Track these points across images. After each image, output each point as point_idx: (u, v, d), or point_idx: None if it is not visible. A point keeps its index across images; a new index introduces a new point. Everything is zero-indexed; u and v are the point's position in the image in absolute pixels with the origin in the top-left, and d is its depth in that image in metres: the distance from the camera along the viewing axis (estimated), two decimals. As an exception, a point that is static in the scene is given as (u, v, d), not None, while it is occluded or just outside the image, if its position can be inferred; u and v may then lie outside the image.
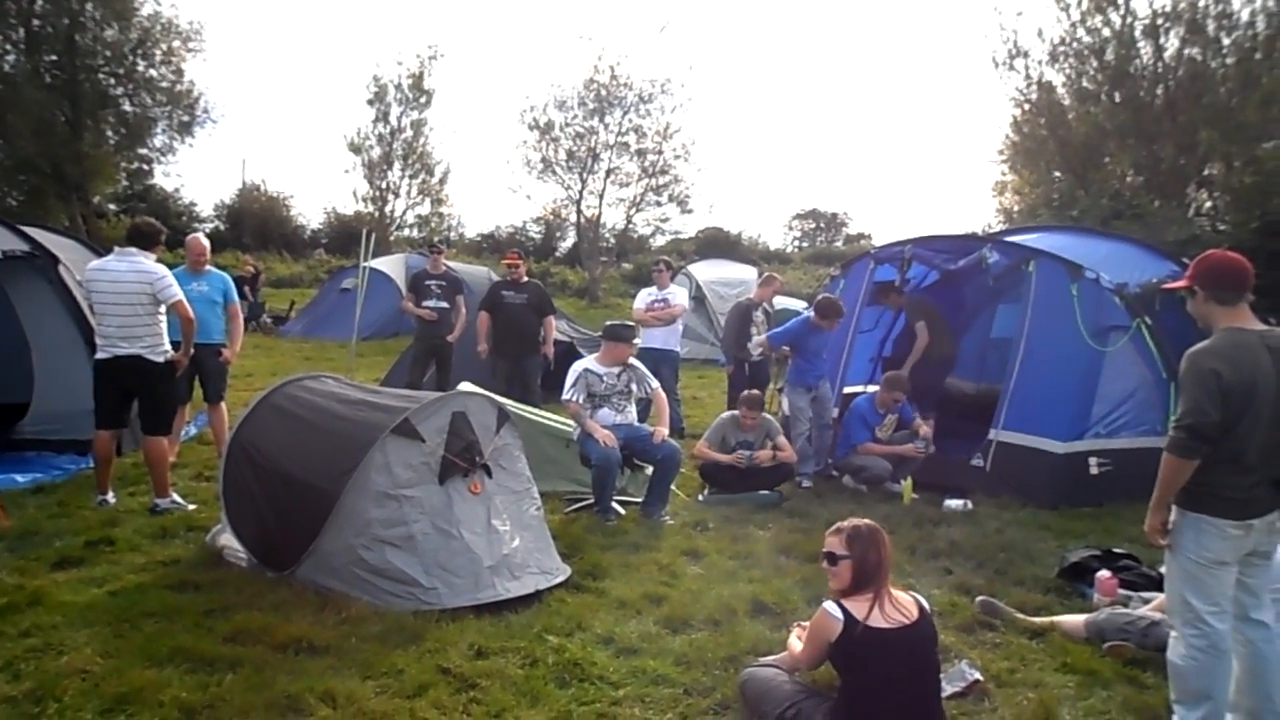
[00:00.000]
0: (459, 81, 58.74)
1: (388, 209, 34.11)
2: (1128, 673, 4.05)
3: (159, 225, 6.33)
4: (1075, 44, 20.81)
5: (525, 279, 9.36)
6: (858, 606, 3.23)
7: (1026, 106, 22.27)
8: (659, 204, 31.12)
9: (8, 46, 26.44)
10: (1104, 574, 4.90)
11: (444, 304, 9.53)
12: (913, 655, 3.24)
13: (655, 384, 6.82)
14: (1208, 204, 20.64)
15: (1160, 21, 19.23)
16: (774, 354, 9.01)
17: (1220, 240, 11.19)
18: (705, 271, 17.80)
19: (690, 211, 31.70)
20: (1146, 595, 4.70)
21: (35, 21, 26.43)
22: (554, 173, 30.58)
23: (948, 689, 3.68)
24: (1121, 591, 4.83)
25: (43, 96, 25.54)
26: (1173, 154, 19.31)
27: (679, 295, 9.68)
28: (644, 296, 9.71)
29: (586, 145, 30.05)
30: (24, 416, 7.41)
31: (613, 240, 32.19)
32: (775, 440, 7.18)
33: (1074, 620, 4.49)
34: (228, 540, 5.14)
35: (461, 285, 9.89)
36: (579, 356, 7.54)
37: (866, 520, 3.43)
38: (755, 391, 7.60)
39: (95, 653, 3.80)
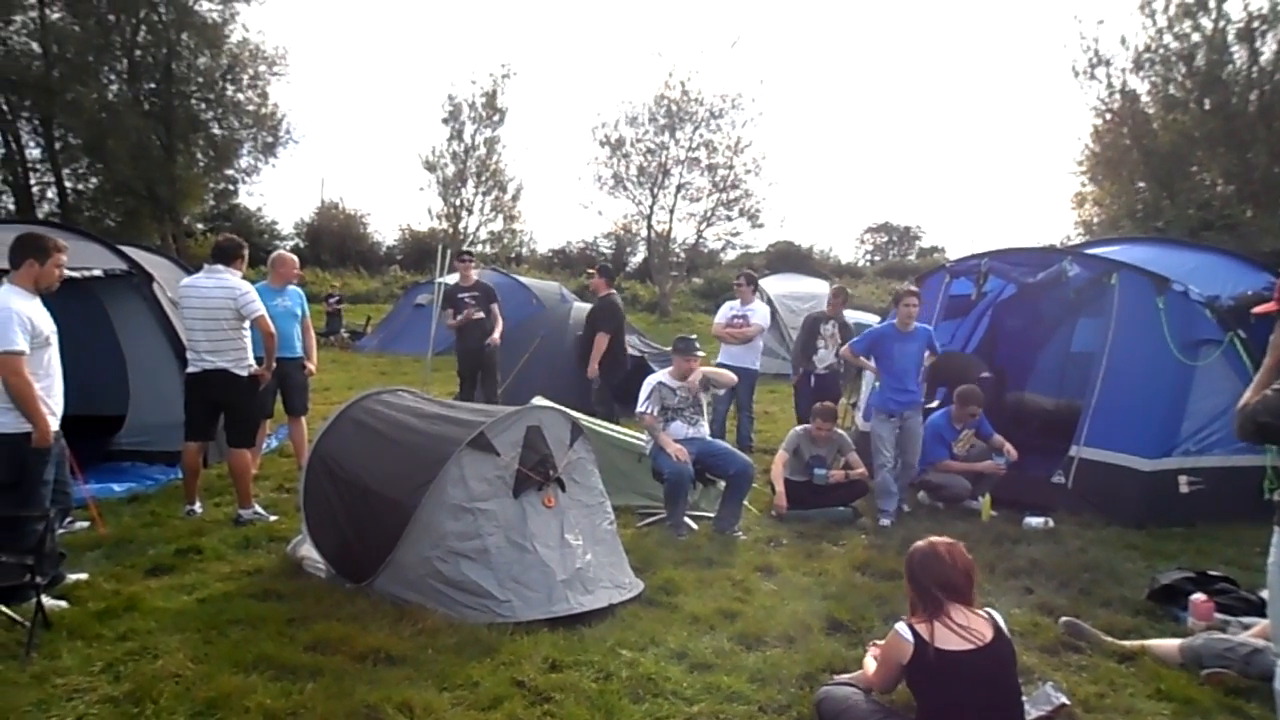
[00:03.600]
0: (531, 99, 59.72)
1: (461, 225, 34.75)
2: (1229, 702, 3.86)
3: (241, 241, 6.56)
4: (1162, 50, 20.21)
5: (601, 293, 9.37)
6: (930, 627, 3.16)
7: (1108, 116, 21.69)
8: (730, 218, 31.05)
9: (112, 76, 27.93)
10: (1199, 597, 4.70)
11: (478, 314, 9.40)
12: (989, 677, 3.17)
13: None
14: (1306, 213, 19.74)
15: (1256, 24, 18.55)
16: (843, 365, 8.91)
17: (1320, 250, 10.69)
18: (777, 286, 17.68)
19: (761, 226, 31.53)
20: (1246, 620, 4.49)
21: (137, 52, 27.85)
22: (625, 188, 30.77)
23: (1032, 712, 3.56)
24: (1219, 616, 4.62)
25: (141, 123, 26.86)
26: (1267, 161, 18.58)
27: (759, 313, 9.46)
28: (725, 311, 9.59)
29: (657, 161, 30.19)
30: (120, 428, 7.73)
31: (683, 255, 32.21)
32: (847, 456, 7.10)
33: (1167, 645, 4.31)
34: (308, 551, 5.28)
35: (495, 293, 9.67)
36: (650, 371, 7.56)
37: (928, 540, 3.37)
38: (828, 403, 7.48)
39: (187, 658, 3.93)
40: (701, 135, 29.81)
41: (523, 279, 19.86)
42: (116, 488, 6.87)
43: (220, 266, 6.29)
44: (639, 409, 6.54)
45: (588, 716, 3.58)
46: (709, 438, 6.69)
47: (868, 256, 48.61)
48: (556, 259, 40.43)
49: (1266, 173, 18.64)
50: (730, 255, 33.96)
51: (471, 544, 4.50)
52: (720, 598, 4.96)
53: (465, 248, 18.50)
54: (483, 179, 34.41)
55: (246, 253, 6.55)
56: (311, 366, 7.68)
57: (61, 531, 5.18)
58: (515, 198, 35.50)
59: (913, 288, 7.27)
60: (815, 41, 72.06)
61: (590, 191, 53.46)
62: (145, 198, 28.14)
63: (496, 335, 9.48)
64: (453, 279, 10.11)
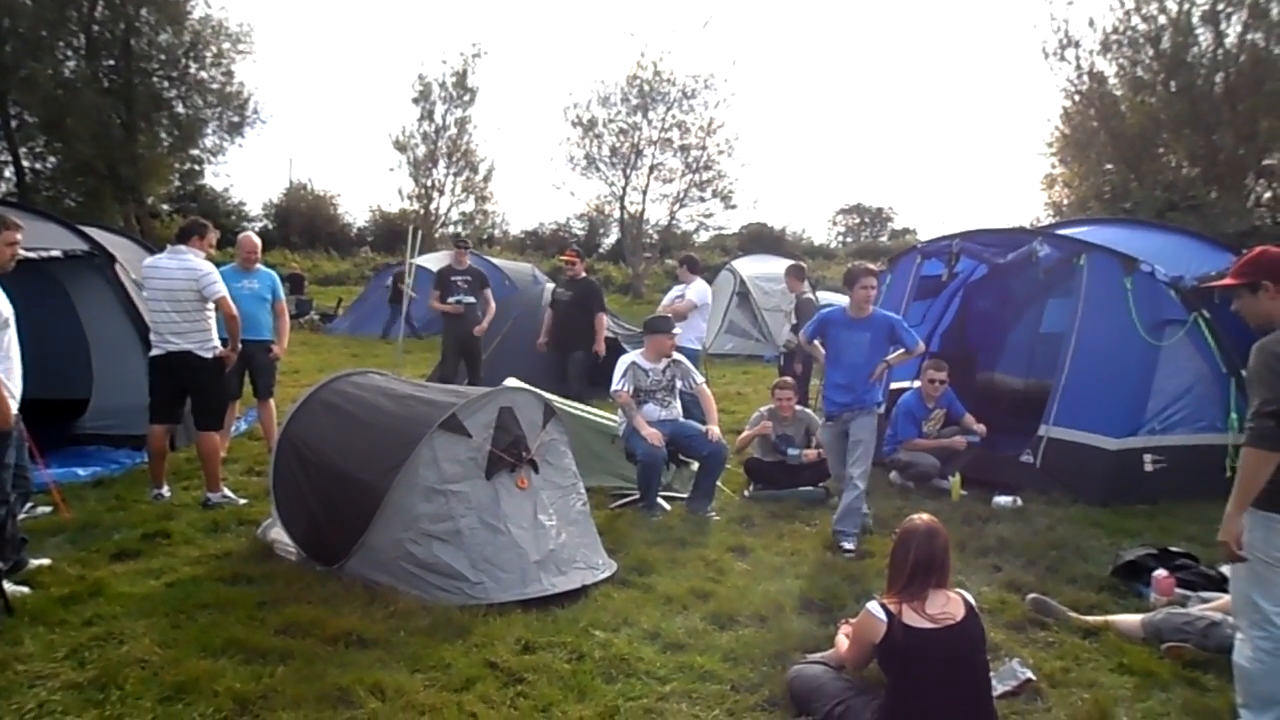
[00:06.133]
0: (502, 79, 59.28)
1: (433, 206, 34.55)
2: (1187, 674, 3.94)
3: (204, 221, 6.49)
4: (1129, 32, 20.39)
5: (581, 276, 9.43)
6: (904, 606, 3.19)
7: (1077, 98, 21.87)
8: (703, 199, 31.11)
9: (69, 53, 27.29)
10: (1161, 573, 4.78)
11: (470, 298, 9.53)
12: (959, 655, 3.20)
13: (700, 379, 6.81)
14: (1268, 194, 20.11)
15: (1221, 6, 18.75)
16: (804, 349, 9.05)
17: (1281, 232, 10.86)
18: (749, 267, 17.72)
19: (734, 207, 31.65)
20: (1206, 595, 4.58)
21: (95, 27, 27.21)
22: (598, 169, 30.73)
23: (999, 688, 3.62)
24: (1179, 591, 4.71)
25: (100, 100, 26.29)
26: (1232, 143, 18.83)
27: (691, 290, 9.49)
28: (670, 295, 9.80)
29: (630, 141, 30.14)
30: (84, 412, 7.60)
31: (656, 236, 32.19)
32: (816, 435, 7.15)
33: (1130, 620, 4.39)
34: (278, 534, 5.23)
35: (487, 279, 9.86)
36: (623, 352, 7.55)
37: (929, 519, 3.39)
38: (787, 378, 7.62)
39: (154, 643, 3.89)
40: (674, 116, 29.84)
41: (495, 260, 19.77)
42: (81, 472, 6.76)
43: (183, 247, 6.19)
44: (614, 387, 6.53)
45: (560, 697, 3.58)
46: (682, 419, 6.70)
47: (840, 238, 48.97)
48: (529, 240, 40.29)
49: (1231, 155, 18.91)
50: (703, 236, 34.04)
51: (444, 526, 4.48)
52: (693, 578, 4.98)
53: (464, 235, 18.48)
54: (454, 159, 34.21)
55: (214, 234, 6.47)
56: (277, 350, 7.58)
57: (23, 517, 5.09)
58: (487, 179, 35.41)
59: (871, 266, 6.06)
60: (788, 22, 72.00)
61: (563, 172, 53.38)
62: (106, 177, 27.60)
63: (485, 323, 9.56)
64: (426, 260, 10.08)
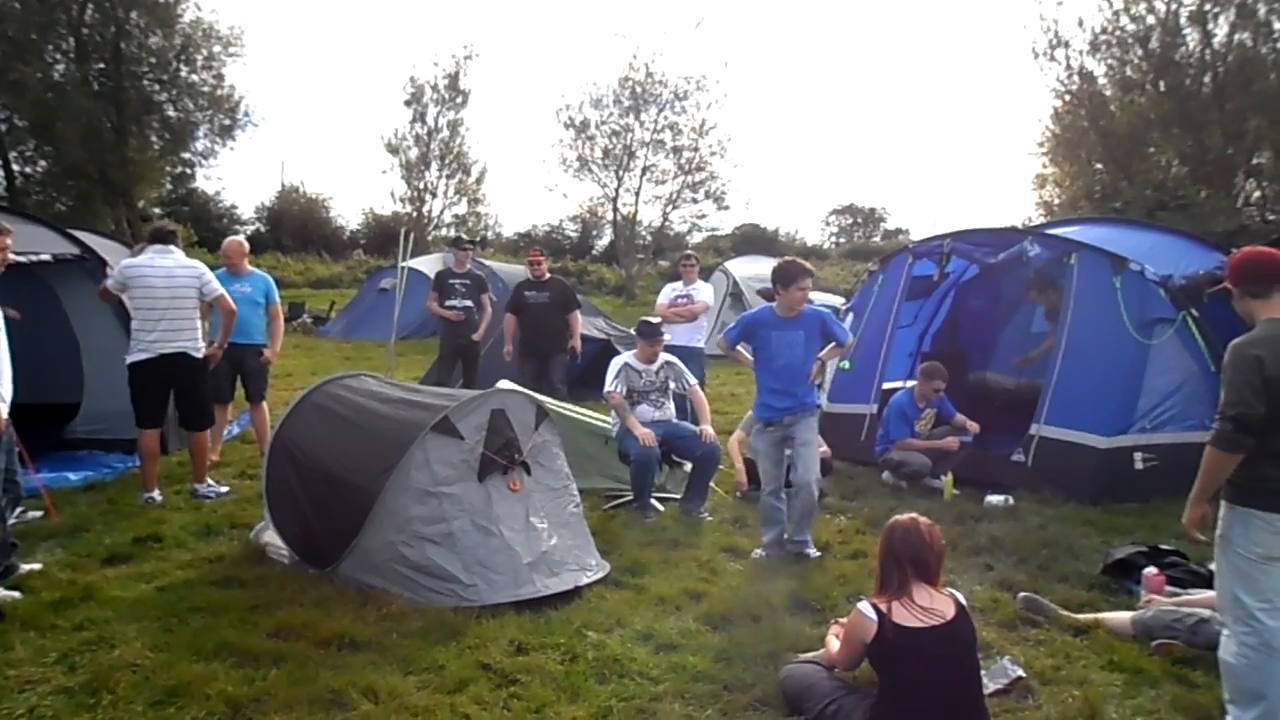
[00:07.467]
0: (495, 81, 59.21)
1: (425, 209, 34.44)
2: (1176, 671, 3.97)
3: (174, 225, 6.68)
4: (1118, 32, 20.47)
5: (547, 276, 9.33)
6: (893, 605, 3.20)
7: (1067, 97, 21.94)
8: (695, 201, 31.11)
9: (58, 56, 27.13)
10: (1151, 570, 4.80)
11: (468, 303, 9.39)
12: (950, 654, 3.20)
13: (693, 380, 6.82)
14: (1256, 193, 20.20)
15: (1208, 7, 18.83)
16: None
17: (1270, 230, 10.91)
18: (742, 268, 17.71)
19: (727, 208, 31.67)
20: (1194, 594, 4.60)
21: (84, 31, 27.06)
22: (590, 171, 30.70)
23: (990, 686, 3.63)
24: (1169, 588, 4.73)
25: (90, 104, 26.13)
26: (1220, 143, 18.91)
27: (702, 291, 9.37)
28: (668, 292, 9.52)
29: (622, 143, 30.13)
30: (75, 416, 7.58)
31: (649, 238, 32.21)
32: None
33: (1120, 617, 4.41)
34: (270, 537, 5.23)
35: (486, 284, 9.77)
36: (616, 354, 7.55)
37: (911, 515, 3.40)
38: None
39: (145, 647, 3.89)
40: (666, 117, 29.83)
41: (487, 262, 19.73)
42: (72, 476, 6.75)
43: (173, 248, 6.21)
44: (607, 388, 6.54)
45: (553, 698, 3.59)
46: (675, 420, 6.71)
47: (833, 238, 48.97)
48: (522, 242, 40.21)
49: (1220, 154, 19.00)
50: (696, 238, 34.03)
51: (436, 528, 4.49)
52: (686, 578, 4.99)
53: (464, 237, 18.35)
54: (446, 162, 34.10)
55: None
56: (269, 353, 7.56)
57: (14, 521, 5.09)
58: (479, 181, 35.31)
59: (807, 265, 5.60)
60: (779, 23, 72.11)
61: (555, 174, 53.28)
62: (97, 181, 27.46)
63: (482, 329, 9.44)
64: (418, 263, 10.05)
